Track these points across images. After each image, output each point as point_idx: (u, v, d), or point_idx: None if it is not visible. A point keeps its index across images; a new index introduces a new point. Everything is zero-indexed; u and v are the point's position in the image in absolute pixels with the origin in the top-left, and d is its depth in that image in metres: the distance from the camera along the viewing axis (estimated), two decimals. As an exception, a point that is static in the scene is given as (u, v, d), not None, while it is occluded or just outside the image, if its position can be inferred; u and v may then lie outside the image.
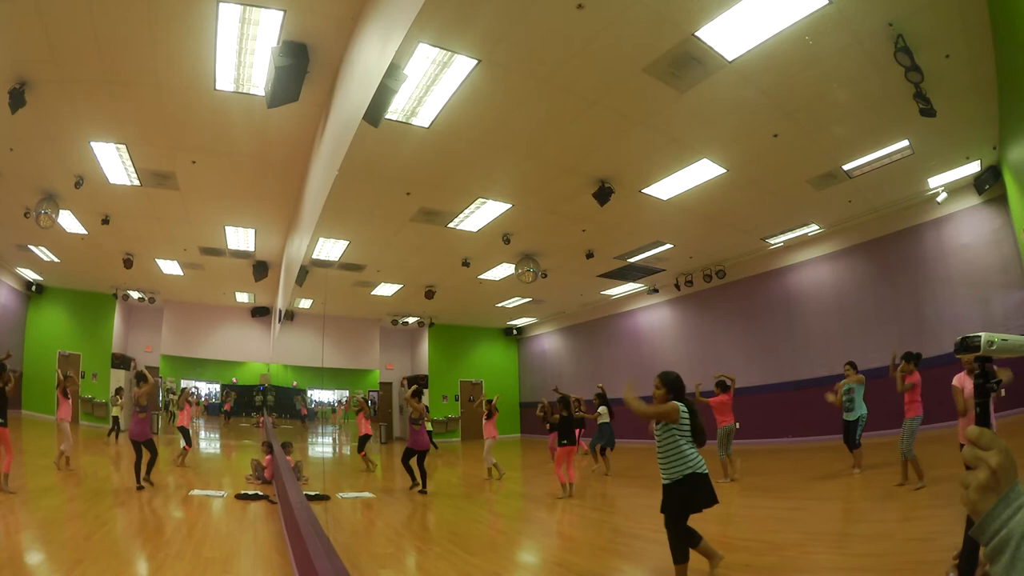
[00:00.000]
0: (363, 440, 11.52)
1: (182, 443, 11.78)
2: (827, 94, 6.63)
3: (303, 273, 8.82)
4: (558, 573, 4.86)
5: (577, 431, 10.66)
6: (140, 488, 7.97)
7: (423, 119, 6.60)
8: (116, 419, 14.29)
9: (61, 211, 9.96)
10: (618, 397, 9.98)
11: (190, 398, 12.94)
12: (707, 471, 4.07)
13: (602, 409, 10.50)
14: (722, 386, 9.08)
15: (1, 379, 7.16)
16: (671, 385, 4.23)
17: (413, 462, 8.90)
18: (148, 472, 8.33)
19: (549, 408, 10.22)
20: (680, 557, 3.96)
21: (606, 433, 10.23)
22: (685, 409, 4.12)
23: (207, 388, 20.31)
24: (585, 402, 11.33)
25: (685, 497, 4.00)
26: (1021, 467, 0.81)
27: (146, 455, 8.33)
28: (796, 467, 9.73)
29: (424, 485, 8.65)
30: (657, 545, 4.31)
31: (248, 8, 5.36)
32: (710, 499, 4.03)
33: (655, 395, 4.29)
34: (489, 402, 10.91)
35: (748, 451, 11.86)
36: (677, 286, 14.75)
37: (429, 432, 10.32)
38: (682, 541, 3.98)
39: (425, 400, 15.44)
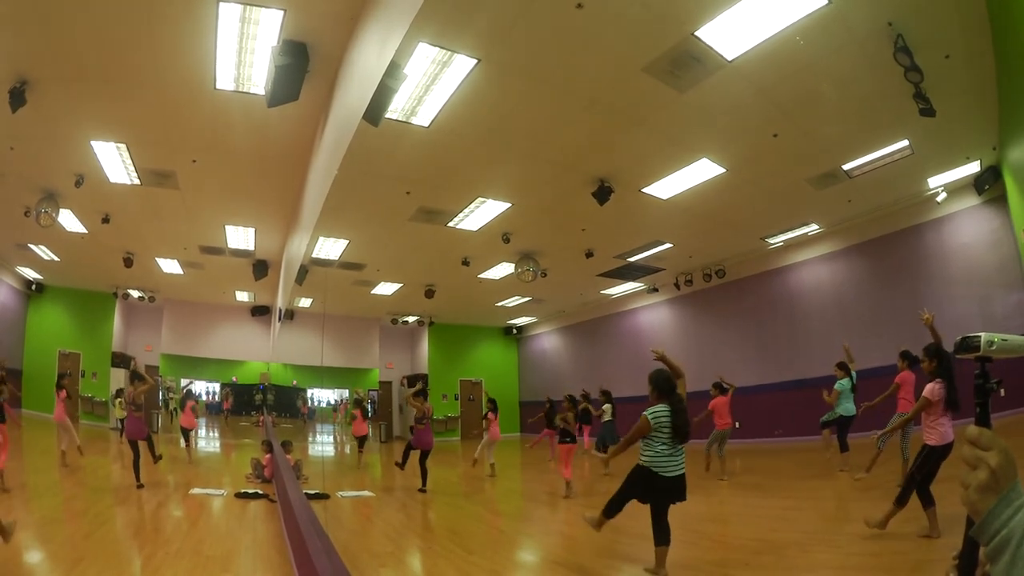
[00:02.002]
0: (361, 440, 11.57)
1: (182, 442, 11.84)
2: (827, 94, 6.63)
3: (303, 272, 8.81)
4: (557, 572, 4.87)
5: (586, 429, 10.74)
6: (140, 486, 7.96)
7: (423, 118, 6.60)
8: (123, 420, 14.32)
9: (61, 210, 9.96)
10: (623, 396, 10.00)
11: (190, 399, 12.99)
12: (665, 472, 4.22)
13: (606, 407, 10.49)
14: (719, 388, 9.09)
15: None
16: (655, 384, 4.42)
17: (416, 458, 8.90)
18: (138, 471, 8.14)
19: (551, 407, 10.29)
20: (608, 511, 4.41)
21: (609, 431, 10.23)
22: (665, 411, 4.27)
23: (207, 387, 20.27)
24: (591, 401, 11.41)
25: (632, 481, 4.35)
26: (1021, 467, 0.81)
27: (144, 454, 8.33)
28: (795, 466, 9.73)
29: (424, 484, 8.65)
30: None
31: (248, 7, 5.36)
32: (646, 496, 4.29)
33: (649, 392, 4.48)
34: (492, 400, 10.91)
35: (747, 450, 11.87)
36: (677, 285, 14.76)
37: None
38: (614, 509, 4.39)
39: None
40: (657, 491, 4.23)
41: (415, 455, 8.91)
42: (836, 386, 8.08)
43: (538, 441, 12.25)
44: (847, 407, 7.98)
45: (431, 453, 8.91)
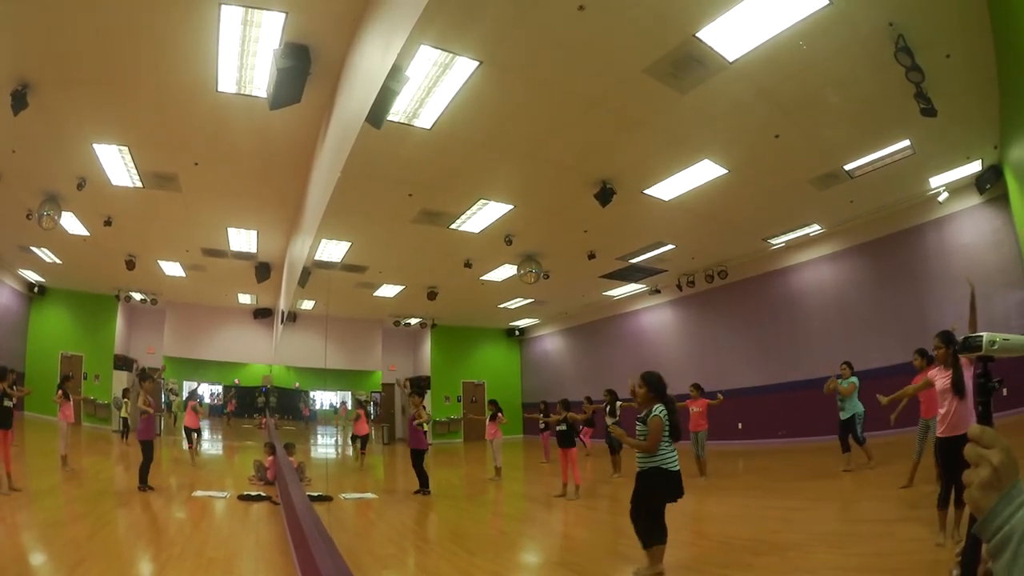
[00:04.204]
0: (363, 440, 11.60)
1: (184, 444, 11.87)
2: (828, 94, 6.63)
3: (305, 274, 8.83)
4: (559, 573, 4.86)
5: (588, 430, 10.70)
6: (142, 489, 7.91)
7: (425, 120, 6.61)
8: (125, 420, 14.40)
9: (63, 213, 9.98)
10: (626, 396, 9.99)
11: (192, 399, 13.04)
12: (677, 468, 4.32)
13: (618, 404, 10.49)
14: (698, 389, 9.10)
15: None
16: (653, 384, 4.43)
17: (413, 460, 8.91)
18: (142, 477, 8.04)
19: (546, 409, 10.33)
20: (647, 541, 4.24)
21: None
22: (665, 411, 4.32)
23: (210, 389, 20.28)
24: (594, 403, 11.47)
25: (650, 488, 4.28)
26: (1022, 465, 0.82)
27: (156, 457, 8.27)
28: (797, 467, 9.72)
29: (427, 486, 8.61)
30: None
31: (250, 10, 5.37)
32: (674, 494, 4.28)
33: (638, 394, 4.48)
34: (492, 403, 10.92)
35: (750, 451, 11.86)
36: (679, 286, 14.76)
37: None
38: (647, 528, 4.25)
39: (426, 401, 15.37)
40: (667, 487, 4.27)
41: (411, 458, 8.92)
42: (854, 380, 8.02)
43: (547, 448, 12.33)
44: (858, 405, 7.94)
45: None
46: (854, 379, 8.06)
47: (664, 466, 4.26)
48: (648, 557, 4.23)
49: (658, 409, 4.30)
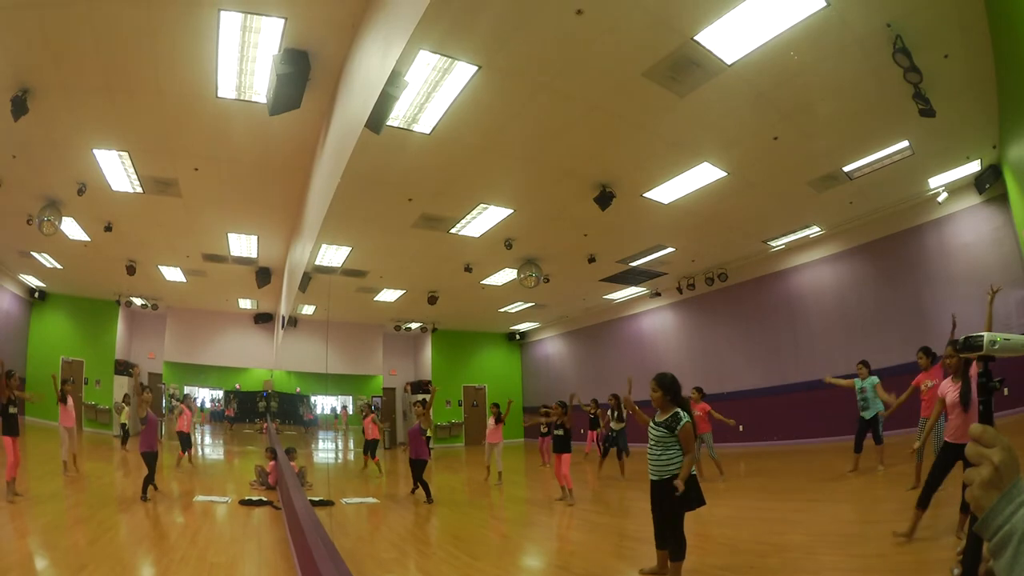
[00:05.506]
0: (373, 445, 11.56)
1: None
2: (826, 96, 6.64)
3: (306, 279, 8.83)
4: (563, 577, 4.86)
5: (591, 434, 10.64)
6: (143, 499, 7.86)
7: (424, 125, 6.62)
8: (124, 426, 14.40)
9: (64, 218, 9.99)
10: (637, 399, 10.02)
11: (189, 404, 13.03)
12: (696, 472, 4.29)
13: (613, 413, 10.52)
14: (699, 392, 9.09)
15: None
16: (669, 387, 4.25)
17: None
18: (144, 487, 7.94)
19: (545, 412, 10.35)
20: (683, 553, 4.09)
21: (623, 438, 10.22)
22: (689, 420, 4.20)
23: (211, 394, 20.23)
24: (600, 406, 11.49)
25: (693, 490, 4.13)
26: (1023, 464, 0.82)
27: (160, 468, 8.18)
28: (800, 469, 9.71)
29: (428, 495, 8.56)
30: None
31: (249, 16, 5.38)
32: (701, 499, 4.19)
33: (652, 398, 4.32)
34: (495, 406, 10.92)
35: (752, 453, 11.85)
36: (679, 289, 14.76)
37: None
38: (680, 539, 4.12)
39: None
40: (693, 491, 4.20)
41: (410, 466, 8.90)
42: (874, 379, 7.92)
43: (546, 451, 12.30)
44: (879, 404, 7.82)
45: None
46: (875, 378, 7.94)
47: (692, 472, 4.19)
48: (673, 569, 4.14)
49: (685, 418, 4.15)
